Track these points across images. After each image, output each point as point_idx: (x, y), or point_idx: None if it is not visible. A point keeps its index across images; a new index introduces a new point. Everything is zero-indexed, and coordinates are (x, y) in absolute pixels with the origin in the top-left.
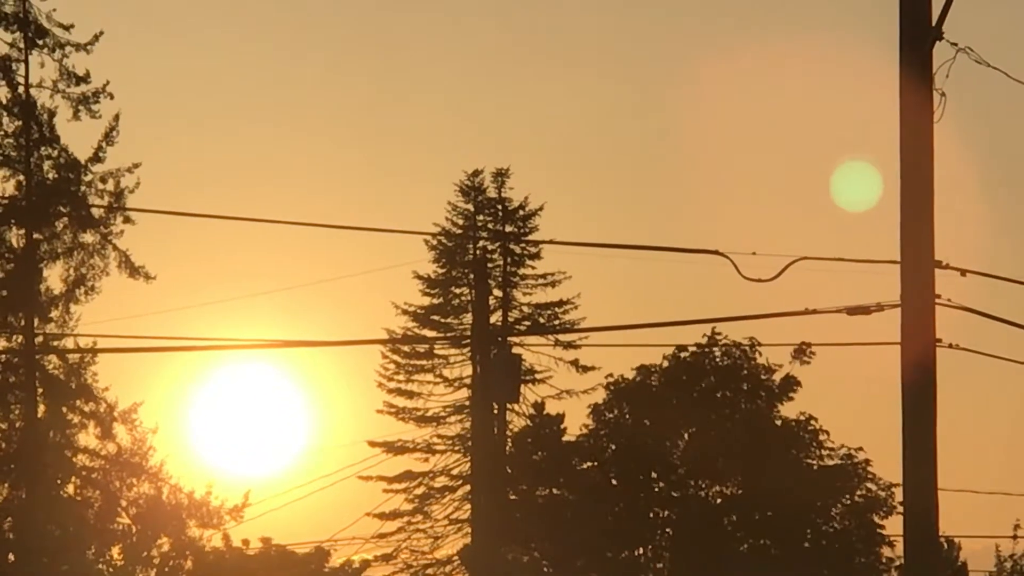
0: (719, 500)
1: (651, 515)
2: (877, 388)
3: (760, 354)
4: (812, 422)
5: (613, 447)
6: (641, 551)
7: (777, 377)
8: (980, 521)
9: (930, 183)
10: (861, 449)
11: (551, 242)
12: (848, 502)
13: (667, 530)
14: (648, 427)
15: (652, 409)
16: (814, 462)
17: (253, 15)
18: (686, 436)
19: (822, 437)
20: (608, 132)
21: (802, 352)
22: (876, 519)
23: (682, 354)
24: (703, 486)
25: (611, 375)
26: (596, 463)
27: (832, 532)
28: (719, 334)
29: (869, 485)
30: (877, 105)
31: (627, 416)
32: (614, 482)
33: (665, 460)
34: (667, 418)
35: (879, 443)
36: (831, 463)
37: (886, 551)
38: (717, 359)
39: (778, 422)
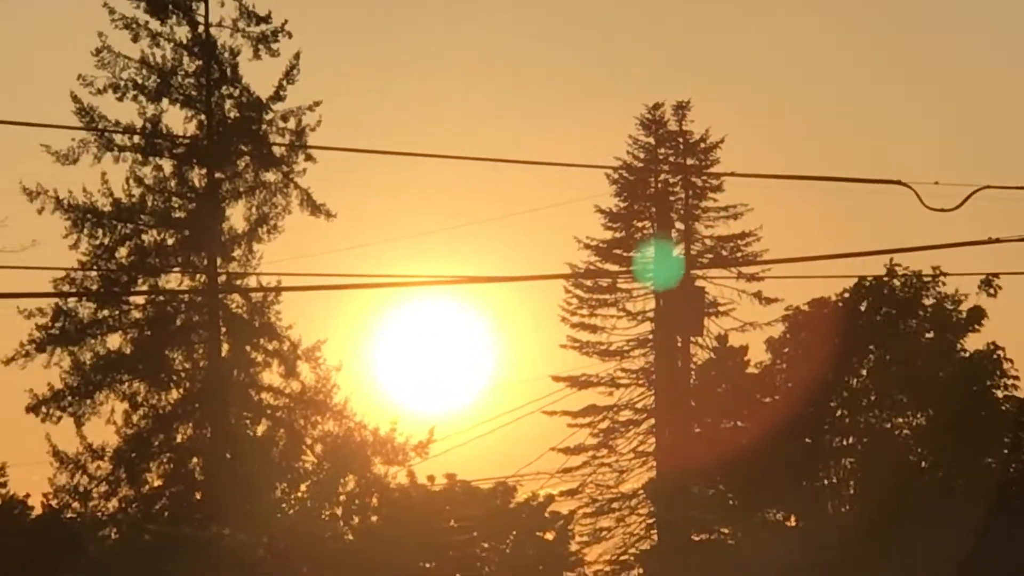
0: (905, 431)
1: (833, 445)
2: None
3: (943, 283)
4: (999, 352)
5: (792, 381)
6: (826, 482)
7: (964, 308)
8: None
9: None
10: None
11: (732, 174)
12: None
13: (850, 459)
14: (827, 358)
15: (830, 340)
16: (1000, 392)
17: None
18: (867, 367)
19: (1006, 366)
20: (789, 63)
21: (988, 284)
22: None
23: (866, 283)
24: (886, 417)
25: (788, 307)
26: (778, 396)
27: (1020, 464)
28: (898, 265)
29: None
30: None
31: (803, 348)
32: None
33: (846, 391)
34: (846, 349)
35: None
36: (1019, 394)
37: None
38: (897, 291)
39: (965, 353)
